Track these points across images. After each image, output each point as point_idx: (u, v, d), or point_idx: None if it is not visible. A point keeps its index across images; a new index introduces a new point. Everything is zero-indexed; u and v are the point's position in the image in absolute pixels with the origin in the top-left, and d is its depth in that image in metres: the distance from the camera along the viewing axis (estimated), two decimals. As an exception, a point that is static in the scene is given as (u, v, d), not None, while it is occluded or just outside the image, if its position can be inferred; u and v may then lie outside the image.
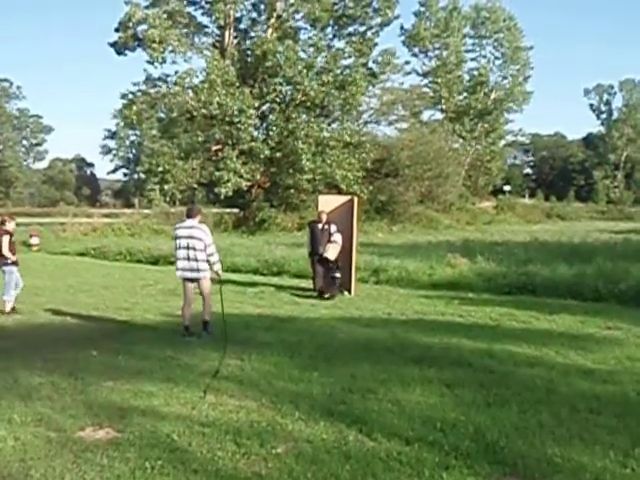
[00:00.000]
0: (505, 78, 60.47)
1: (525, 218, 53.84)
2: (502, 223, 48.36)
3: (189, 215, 9.31)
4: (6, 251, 11.34)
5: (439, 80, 57.56)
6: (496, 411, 5.76)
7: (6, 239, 11.37)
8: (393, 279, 15.32)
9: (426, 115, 58.61)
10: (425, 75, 59.69)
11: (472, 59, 61.42)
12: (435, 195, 45.01)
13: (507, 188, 67.92)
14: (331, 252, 13.09)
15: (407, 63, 55.17)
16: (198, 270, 9.06)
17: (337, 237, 13.23)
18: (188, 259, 9.03)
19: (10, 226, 11.60)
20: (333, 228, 13.23)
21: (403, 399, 6.09)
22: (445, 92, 57.72)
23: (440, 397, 6.19)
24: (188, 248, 9.01)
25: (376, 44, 42.83)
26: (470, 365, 7.37)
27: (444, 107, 58.83)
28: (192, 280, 9.21)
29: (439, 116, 58.80)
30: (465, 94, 60.37)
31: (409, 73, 55.76)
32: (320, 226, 13.40)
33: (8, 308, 11.22)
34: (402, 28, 56.94)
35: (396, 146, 42.63)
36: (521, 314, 10.93)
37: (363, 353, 8.01)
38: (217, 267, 9.29)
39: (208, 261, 9.11)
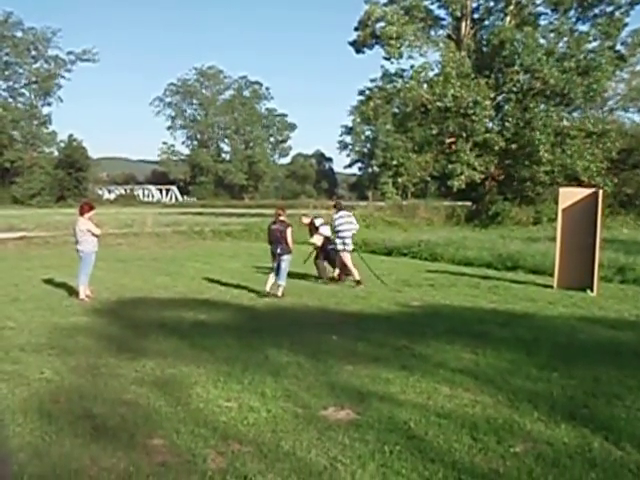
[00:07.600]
0: None
1: None
2: None
3: (342, 208, 14.35)
4: (290, 241, 12.00)
5: (702, 60, 51.26)
6: None
7: (290, 230, 12.00)
8: (642, 279, 14.09)
9: (684, 100, 52.63)
10: (686, 55, 53.55)
11: None
12: (695, 188, 40.26)
13: None
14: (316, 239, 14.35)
15: (663, 43, 50.06)
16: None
17: (323, 229, 14.46)
18: (351, 238, 13.72)
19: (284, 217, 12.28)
20: (318, 221, 14.72)
21: (655, 409, 5.61)
22: None
23: (701, 411, 5.60)
24: (350, 230, 13.80)
25: (625, 24, 39.29)
26: None
27: None
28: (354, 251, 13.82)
29: (701, 100, 52.39)
30: None
31: (665, 54, 50.42)
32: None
33: (280, 293, 11.92)
34: (657, 4, 51.57)
35: (646, 134, 38.94)
36: None
37: (607, 356, 7.51)
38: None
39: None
